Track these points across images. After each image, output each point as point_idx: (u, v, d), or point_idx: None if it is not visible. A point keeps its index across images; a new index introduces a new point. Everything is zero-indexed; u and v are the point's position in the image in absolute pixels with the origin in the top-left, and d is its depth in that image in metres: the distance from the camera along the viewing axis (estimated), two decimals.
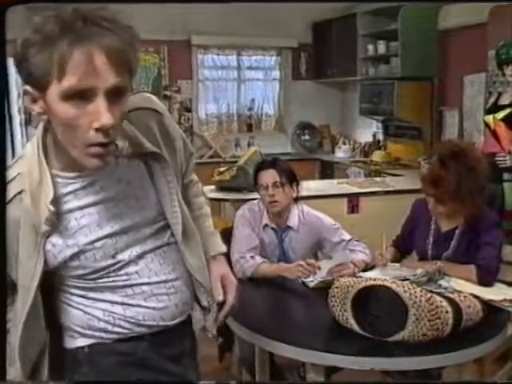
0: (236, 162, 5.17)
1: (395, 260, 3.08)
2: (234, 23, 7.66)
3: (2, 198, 1.51)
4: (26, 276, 1.44)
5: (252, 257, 3.06)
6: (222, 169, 5.08)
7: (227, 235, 3.21)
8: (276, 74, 8.70)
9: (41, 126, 1.43)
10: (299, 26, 8.29)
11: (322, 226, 3.25)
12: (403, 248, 3.14)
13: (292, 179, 3.24)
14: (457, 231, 2.93)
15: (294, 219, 3.25)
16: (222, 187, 4.95)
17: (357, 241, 3.23)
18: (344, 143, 8.33)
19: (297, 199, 3.28)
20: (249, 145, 7.99)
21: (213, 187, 4.94)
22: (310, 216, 3.27)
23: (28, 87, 1.29)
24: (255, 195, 3.37)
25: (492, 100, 4.77)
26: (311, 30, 8.46)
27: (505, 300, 2.61)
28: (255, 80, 8.62)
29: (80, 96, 1.24)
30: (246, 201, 3.52)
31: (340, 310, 2.32)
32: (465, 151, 2.81)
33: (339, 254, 3.13)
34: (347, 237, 3.24)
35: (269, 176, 3.19)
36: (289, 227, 3.24)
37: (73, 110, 1.25)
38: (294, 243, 3.24)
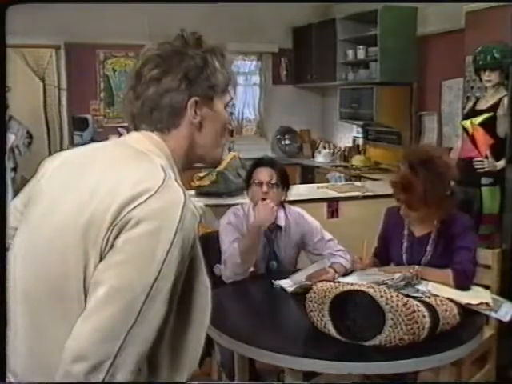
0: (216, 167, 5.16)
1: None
2: (214, 28, 7.64)
3: (2, 199, 1.51)
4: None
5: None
6: (201, 174, 5.06)
7: (207, 240, 3.21)
8: (256, 78, 8.73)
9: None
10: (279, 31, 8.33)
11: (305, 221, 3.33)
12: (383, 257, 3.16)
13: (285, 183, 3.28)
14: (431, 236, 2.97)
15: (281, 219, 3.29)
16: (201, 192, 4.95)
17: (338, 245, 3.26)
18: (324, 148, 8.36)
19: (283, 203, 3.32)
20: (229, 150, 7.97)
21: (192, 192, 4.93)
22: (293, 213, 3.34)
23: (200, 97, 1.45)
24: (235, 200, 3.39)
25: (470, 105, 4.82)
26: (291, 35, 8.50)
27: (482, 303, 2.64)
28: None
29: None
30: (226, 206, 3.52)
31: (318, 315, 2.33)
32: (433, 158, 2.87)
33: (320, 260, 3.16)
34: (328, 236, 3.31)
35: (266, 174, 3.22)
36: (278, 227, 3.28)
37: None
38: (281, 242, 3.29)
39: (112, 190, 1.32)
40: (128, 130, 1.54)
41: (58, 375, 1.26)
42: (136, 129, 1.48)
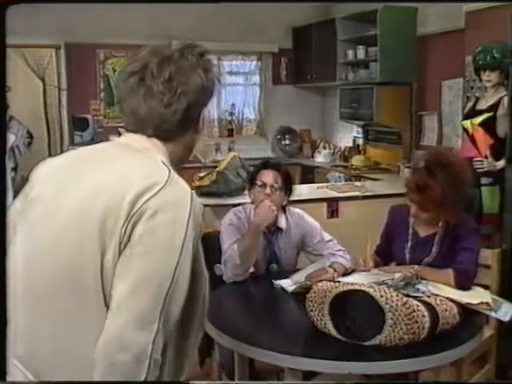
0: (216, 167, 5.17)
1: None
2: (214, 28, 7.67)
3: (2, 199, 1.59)
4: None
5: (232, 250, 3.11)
6: (201, 174, 5.07)
7: (207, 240, 3.21)
8: (256, 78, 8.73)
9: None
10: (279, 31, 8.33)
11: (304, 222, 3.33)
12: (385, 256, 3.16)
13: (288, 187, 3.28)
14: (436, 237, 2.97)
15: (282, 221, 3.29)
16: (201, 192, 4.94)
17: (337, 245, 3.27)
18: (324, 148, 8.36)
19: (284, 207, 3.32)
20: (229, 149, 7.99)
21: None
22: (293, 215, 3.34)
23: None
24: (235, 200, 3.39)
25: (470, 105, 4.82)
26: (291, 35, 8.50)
27: (482, 303, 2.64)
28: (235, 85, 8.63)
29: None
30: (226, 206, 3.52)
31: (318, 315, 2.33)
32: (453, 163, 2.87)
33: (320, 260, 3.17)
34: (327, 237, 3.31)
35: (271, 176, 3.23)
36: (278, 229, 3.29)
37: None
38: (281, 243, 3.30)
39: (121, 183, 1.40)
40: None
41: (98, 369, 1.32)
42: (136, 131, 1.55)
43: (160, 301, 1.34)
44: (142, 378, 1.32)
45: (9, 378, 1.47)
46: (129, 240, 1.36)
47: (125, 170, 1.45)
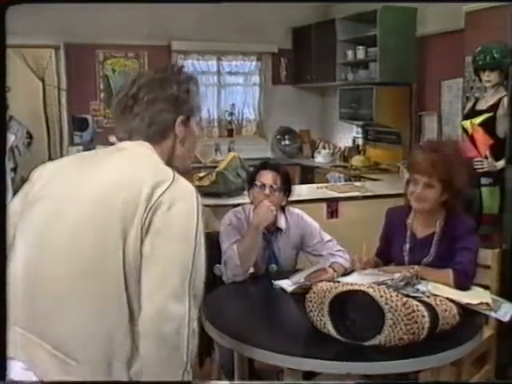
0: (216, 167, 5.17)
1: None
2: (214, 28, 7.68)
3: (2, 198, 1.71)
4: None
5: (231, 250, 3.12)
6: (201, 174, 5.07)
7: (207, 240, 3.21)
8: (256, 79, 8.74)
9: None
10: (279, 31, 8.34)
11: (304, 223, 3.34)
12: (385, 257, 3.16)
13: (288, 187, 3.29)
14: (434, 238, 2.97)
15: (281, 221, 3.29)
16: (201, 192, 4.94)
17: (337, 245, 3.27)
18: (324, 148, 8.36)
19: (284, 207, 3.32)
20: (229, 150, 7.99)
21: None
22: (293, 215, 3.34)
23: (184, 116, 1.79)
24: (235, 200, 3.38)
25: (469, 105, 4.82)
26: (291, 35, 8.51)
27: (481, 303, 2.64)
28: (235, 85, 8.63)
29: None
30: (225, 206, 3.51)
31: (317, 315, 2.33)
32: (448, 146, 3.04)
33: (320, 262, 3.17)
34: (327, 237, 3.31)
35: (270, 177, 3.23)
36: (278, 229, 3.29)
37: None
38: (281, 244, 3.30)
39: (135, 179, 1.63)
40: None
41: (148, 343, 1.56)
42: (129, 140, 1.78)
43: (186, 279, 1.58)
44: (185, 347, 1.58)
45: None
46: (149, 227, 1.57)
47: (133, 169, 1.68)
